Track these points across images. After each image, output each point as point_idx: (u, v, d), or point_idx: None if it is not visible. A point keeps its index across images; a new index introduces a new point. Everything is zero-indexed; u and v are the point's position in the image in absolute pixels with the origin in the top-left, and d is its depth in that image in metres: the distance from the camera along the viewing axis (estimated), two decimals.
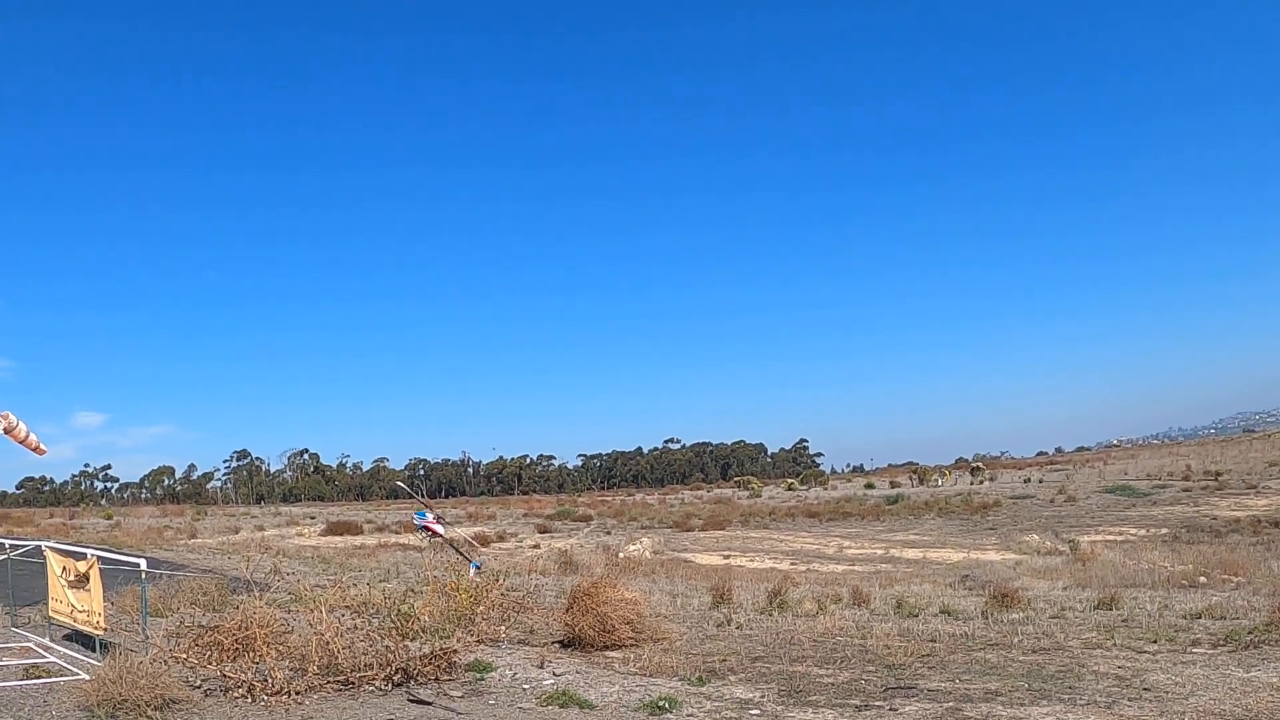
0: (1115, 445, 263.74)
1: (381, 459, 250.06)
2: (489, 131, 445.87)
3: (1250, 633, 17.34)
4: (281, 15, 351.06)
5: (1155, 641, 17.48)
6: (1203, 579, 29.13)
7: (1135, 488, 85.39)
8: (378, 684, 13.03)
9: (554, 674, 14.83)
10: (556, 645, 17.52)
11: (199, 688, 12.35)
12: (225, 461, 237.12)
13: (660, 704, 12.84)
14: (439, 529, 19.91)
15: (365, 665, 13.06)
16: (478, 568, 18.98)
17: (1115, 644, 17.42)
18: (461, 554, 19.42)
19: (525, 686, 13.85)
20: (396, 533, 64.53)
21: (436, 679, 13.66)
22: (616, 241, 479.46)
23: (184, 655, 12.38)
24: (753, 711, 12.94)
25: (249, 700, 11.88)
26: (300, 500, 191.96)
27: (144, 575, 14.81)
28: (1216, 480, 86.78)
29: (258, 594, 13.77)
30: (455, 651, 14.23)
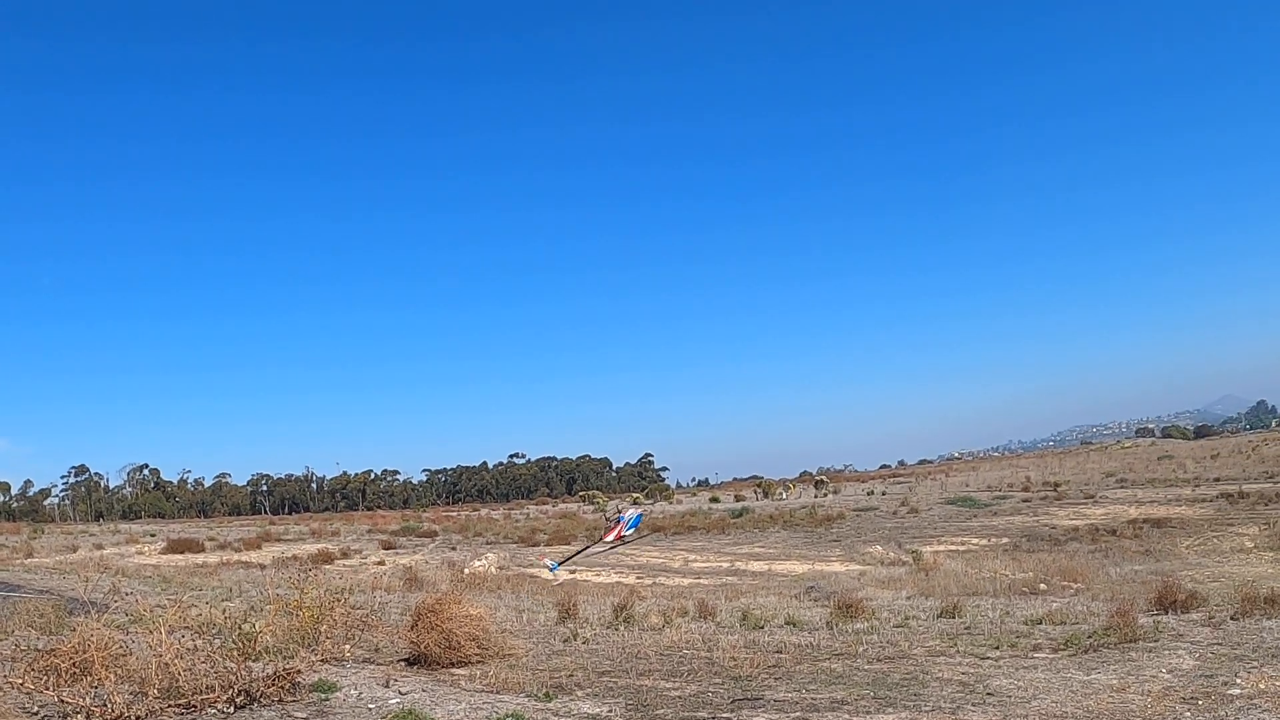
0: (957, 458, 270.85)
1: (223, 474, 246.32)
2: (325, 143, 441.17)
3: (1090, 637, 17.80)
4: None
5: (998, 648, 17.82)
6: (1043, 586, 29.88)
7: (976, 499, 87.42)
8: (220, 706, 12.63)
9: (400, 692, 14.56)
10: (402, 663, 17.22)
11: (36, 715, 11.86)
12: (63, 477, 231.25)
13: None
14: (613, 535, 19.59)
15: (207, 687, 12.64)
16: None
17: (959, 651, 17.71)
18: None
19: (371, 706, 13.56)
20: (238, 550, 63.11)
21: (280, 700, 13.29)
22: (457, 255, 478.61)
23: (20, 680, 11.86)
24: None
25: None
26: (141, 517, 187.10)
27: None
28: (1055, 491, 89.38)
29: (96, 615, 13.28)
30: (299, 671, 13.87)
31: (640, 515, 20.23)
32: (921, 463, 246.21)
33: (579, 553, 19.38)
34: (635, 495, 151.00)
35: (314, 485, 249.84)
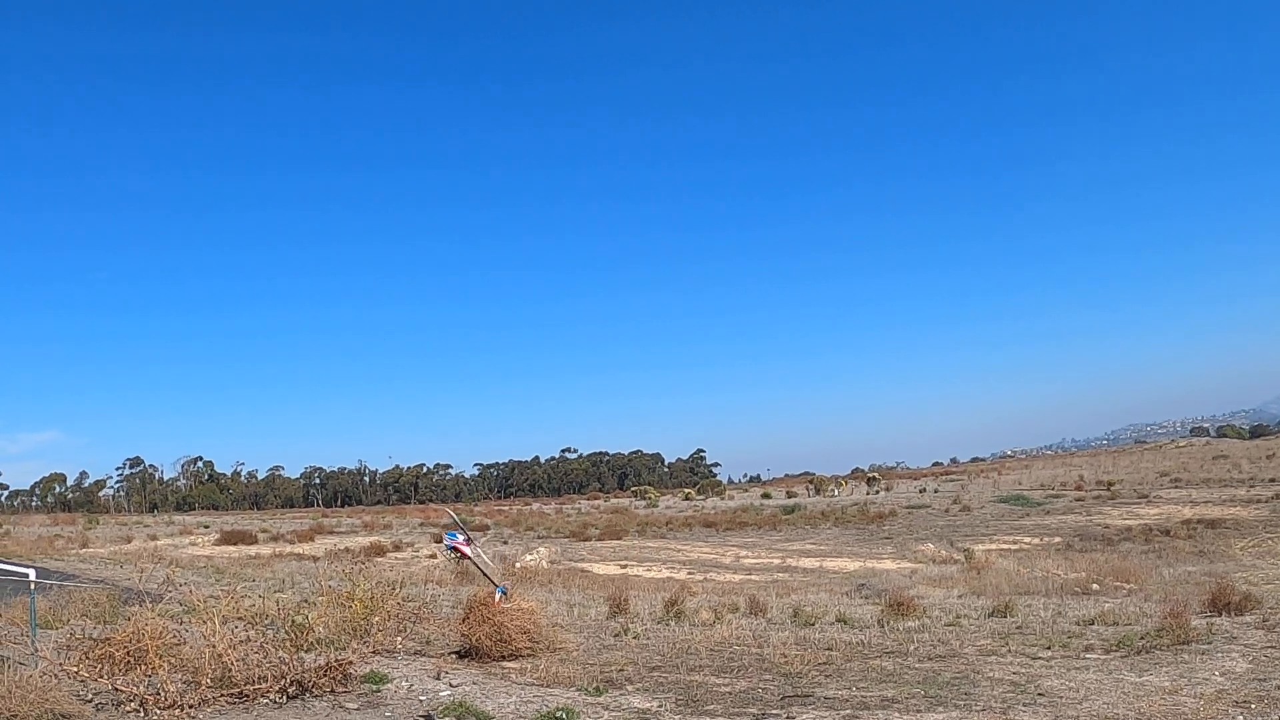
0: (1010, 456, 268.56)
1: (277, 467, 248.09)
2: (375, 135, 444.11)
3: (1142, 638, 17.71)
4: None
5: (1049, 648, 17.76)
6: (1095, 586, 29.70)
7: (1029, 497, 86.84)
8: (272, 696, 12.80)
9: (450, 685, 14.68)
10: (453, 656, 17.34)
11: (90, 702, 12.06)
12: (118, 469, 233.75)
13: (557, 714, 12.76)
14: (467, 550, 19.70)
15: (259, 677, 12.81)
16: (504, 593, 18.78)
17: (1010, 650, 17.68)
18: (487, 577, 19.18)
19: (422, 698, 13.69)
20: (291, 542, 63.59)
21: (332, 691, 13.45)
22: (514, 250, 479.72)
23: (75, 668, 12.09)
24: None
25: (142, 714, 11.62)
26: (194, 509, 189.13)
27: (33, 586, 14.49)
28: (1109, 490, 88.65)
29: (150, 605, 13.49)
30: (350, 663, 14.02)
31: (455, 533, 20.15)
32: (974, 460, 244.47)
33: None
34: (686, 491, 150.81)
35: (366, 478, 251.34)
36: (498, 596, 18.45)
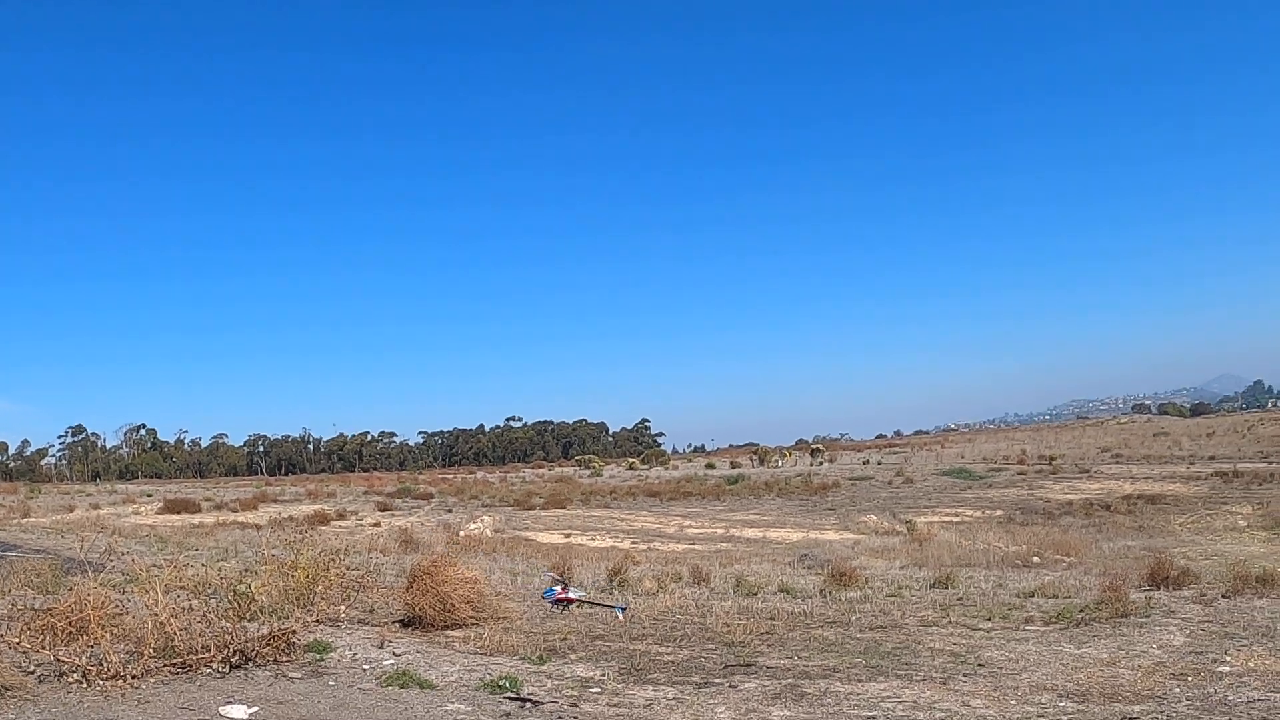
0: (953, 429, 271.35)
1: (220, 435, 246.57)
2: (329, 107, 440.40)
3: (1081, 611, 17.92)
4: None
5: (990, 619, 17.95)
6: (1036, 559, 30.04)
7: (972, 470, 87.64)
8: (215, 666, 12.67)
9: (394, 654, 14.65)
10: (397, 625, 17.29)
11: (32, 673, 11.87)
12: (60, 437, 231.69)
13: (501, 683, 12.77)
14: (573, 595, 19.76)
15: (203, 647, 12.66)
16: (623, 610, 18.86)
17: (951, 621, 17.84)
18: (604, 605, 19.25)
19: (365, 667, 13.64)
20: (235, 511, 63.20)
21: (275, 660, 13.34)
22: (456, 219, 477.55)
23: (16, 639, 11.89)
24: (594, 689, 12.95)
25: (84, 685, 11.47)
26: (137, 477, 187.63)
27: None
28: (1050, 464, 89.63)
29: (93, 575, 13.32)
30: (294, 632, 13.90)
31: (552, 589, 20.40)
32: (917, 433, 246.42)
33: None
34: (631, 460, 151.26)
35: (311, 446, 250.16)
36: (619, 615, 18.53)
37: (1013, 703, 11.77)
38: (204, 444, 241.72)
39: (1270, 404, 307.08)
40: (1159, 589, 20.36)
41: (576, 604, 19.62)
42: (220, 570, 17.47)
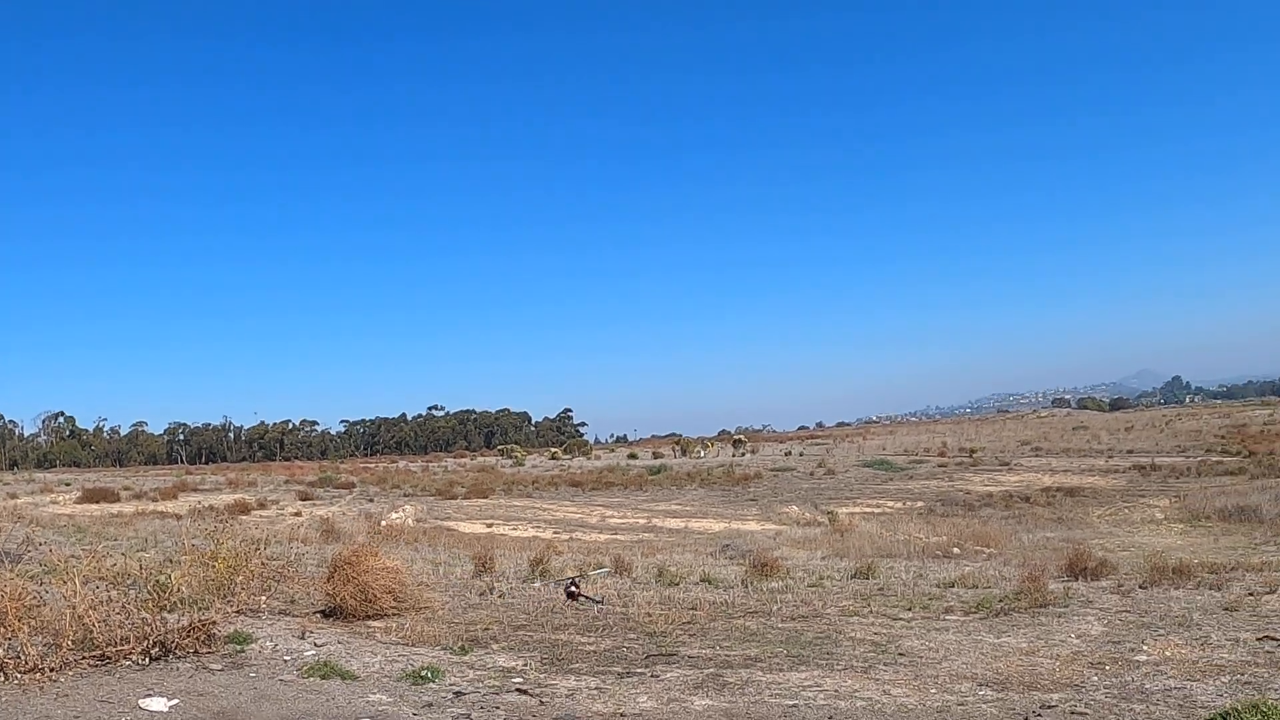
0: (875, 421, 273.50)
1: (140, 423, 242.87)
2: (249, 93, 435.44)
3: (1001, 601, 18.12)
4: None
5: (910, 609, 18.09)
6: (956, 550, 30.31)
7: (893, 463, 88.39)
8: (135, 658, 12.46)
9: (315, 645, 14.49)
10: (318, 615, 17.11)
11: None
12: None
13: (423, 673, 12.68)
14: (582, 591, 19.62)
15: (122, 639, 12.45)
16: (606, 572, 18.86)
17: (871, 611, 17.95)
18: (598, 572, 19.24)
19: (286, 658, 13.48)
20: (154, 500, 62.29)
21: (196, 652, 13.13)
22: (380, 207, 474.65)
23: None
24: (515, 679, 12.89)
25: (2, 679, 11.26)
26: (55, 466, 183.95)
27: None
28: (971, 457, 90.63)
29: (9, 565, 13.10)
30: (214, 623, 13.69)
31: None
32: (839, 425, 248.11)
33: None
34: (553, 450, 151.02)
35: (231, 435, 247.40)
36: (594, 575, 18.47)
37: (933, 691, 11.86)
38: (123, 432, 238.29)
39: (1188, 400, 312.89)
40: (1077, 580, 20.61)
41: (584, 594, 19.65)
42: (140, 561, 17.22)
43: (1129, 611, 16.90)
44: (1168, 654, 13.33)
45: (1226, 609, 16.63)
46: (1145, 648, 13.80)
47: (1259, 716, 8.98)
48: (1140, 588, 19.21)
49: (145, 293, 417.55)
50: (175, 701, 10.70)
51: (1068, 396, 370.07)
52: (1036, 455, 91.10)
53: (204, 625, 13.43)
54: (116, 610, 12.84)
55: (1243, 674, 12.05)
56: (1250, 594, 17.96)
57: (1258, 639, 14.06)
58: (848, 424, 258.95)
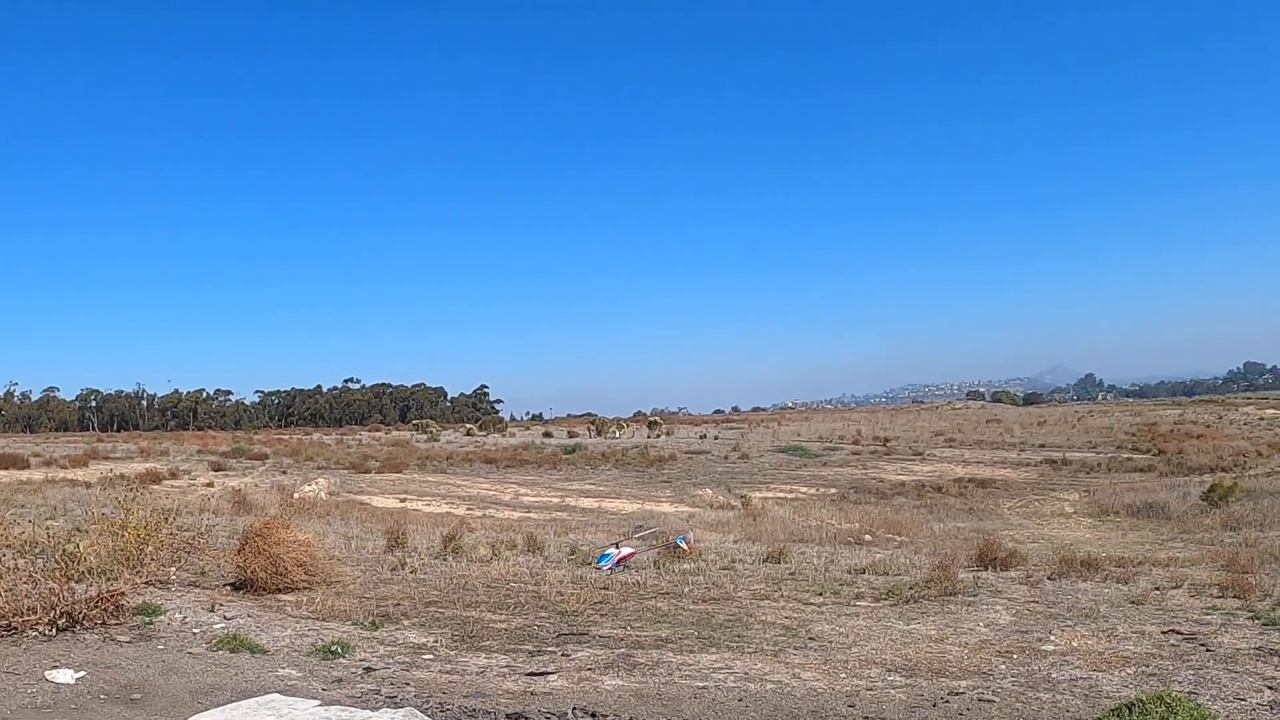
0: (790, 408, 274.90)
1: (51, 389, 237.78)
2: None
3: (911, 588, 18.33)
4: None
5: (821, 594, 18.24)
6: (868, 537, 30.62)
7: (808, 449, 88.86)
8: (41, 628, 12.27)
9: (225, 618, 14.38)
10: (228, 588, 16.95)
11: None
12: None
13: (333, 648, 12.64)
14: (631, 550, 19.33)
15: (29, 609, 12.26)
16: (683, 541, 18.57)
17: (783, 595, 18.09)
18: (662, 537, 18.96)
19: (195, 630, 13.36)
20: (65, 468, 61.13)
21: (104, 623, 12.98)
22: (297, 179, 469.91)
23: None
24: (426, 656, 12.87)
25: None
26: None
27: None
28: (885, 446, 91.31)
29: None
30: (123, 594, 13.53)
31: (607, 554, 20.43)
32: (755, 410, 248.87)
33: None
34: (468, 426, 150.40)
35: (145, 403, 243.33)
36: (681, 545, 18.33)
37: (842, 675, 11.97)
38: (34, 398, 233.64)
39: (1100, 397, 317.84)
40: (987, 569, 20.91)
41: (633, 557, 19.59)
42: (48, 529, 16.94)
43: (1037, 602, 17.17)
44: (1074, 644, 13.55)
45: (1133, 602, 16.95)
46: (1053, 638, 14.03)
47: (1164, 708, 9.15)
48: (1049, 579, 19.52)
49: (59, 258, 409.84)
50: (82, 674, 10.56)
51: (982, 390, 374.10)
52: (950, 446, 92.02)
53: (113, 596, 13.28)
54: (23, 580, 12.68)
55: (1148, 666, 12.30)
56: (1156, 588, 18.32)
57: (1163, 632, 14.35)
58: (764, 409, 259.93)
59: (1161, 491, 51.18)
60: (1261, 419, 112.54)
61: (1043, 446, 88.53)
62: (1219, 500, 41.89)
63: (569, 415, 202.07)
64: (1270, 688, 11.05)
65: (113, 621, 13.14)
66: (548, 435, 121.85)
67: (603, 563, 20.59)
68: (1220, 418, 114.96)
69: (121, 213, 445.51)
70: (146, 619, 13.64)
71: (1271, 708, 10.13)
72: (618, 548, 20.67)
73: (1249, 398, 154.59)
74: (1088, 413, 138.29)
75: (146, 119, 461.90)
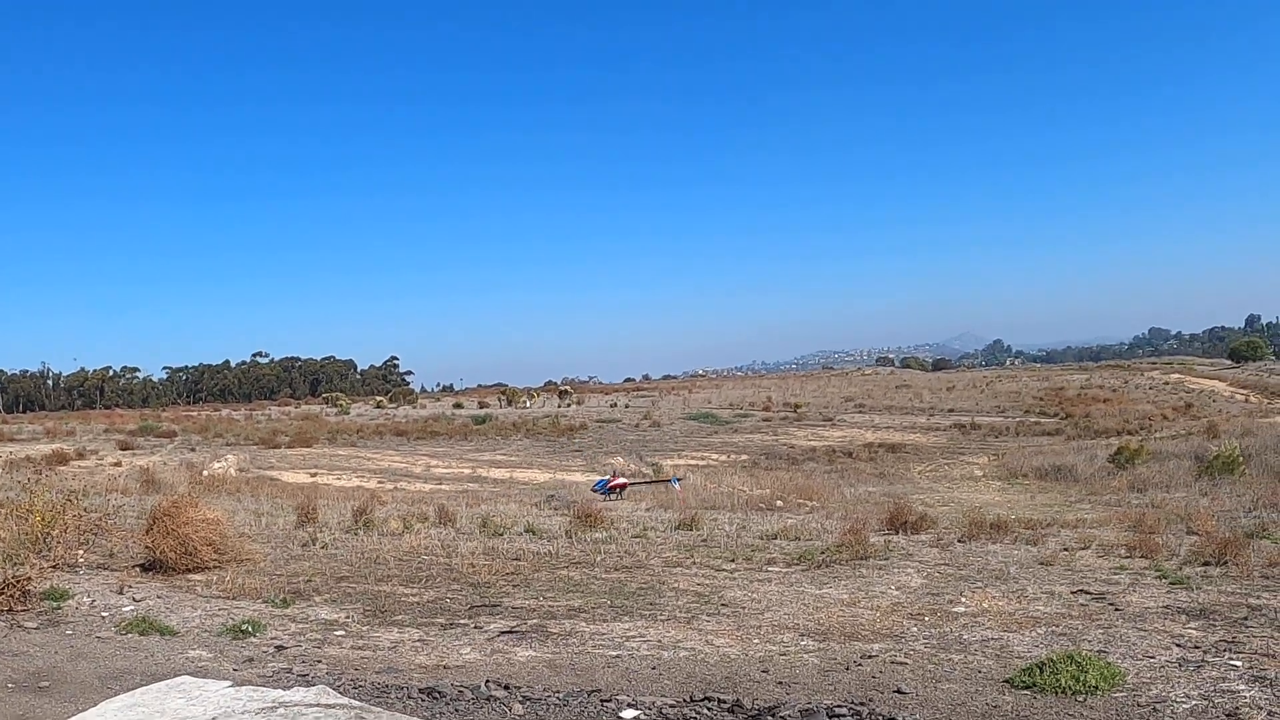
0: (701, 375, 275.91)
1: None
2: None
3: (823, 553, 18.50)
4: None
5: (733, 560, 18.36)
6: (779, 503, 30.81)
7: (718, 416, 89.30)
8: None
9: (134, 600, 14.18)
10: (137, 569, 16.72)
11: None
12: None
13: (244, 627, 12.50)
14: (625, 481, 19.01)
15: None
16: (678, 481, 18.28)
17: (695, 563, 18.18)
18: (658, 481, 18.64)
19: (105, 614, 13.15)
20: None
21: (10, 609, 12.73)
22: (212, 148, 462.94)
23: None
24: (338, 632, 12.79)
25: None
26: None
27: None
28: (795, 412, 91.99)
29: None
30: (29, 579, 13.30)
31: (603, 480, 20.49)
32: (666, 378, 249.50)
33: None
34: (379, 399, 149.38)
35: (50, 382, 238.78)
36: (675, 486, 18.11)
37: (755, 641, 12.04)
38: None
39: (1008, 363, 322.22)
40: (898, 533, 21.16)
41: (630, 487, 19.47)
42: None
43: (948, 565, 17.41)
44: (985, 606, 13.74)
45: (1042, 563, 17.26)
46: (964, 600, 14.22)
47: (1074, 667, 9.30)
48: (959, 542, 19.82)
49: None
50: None
51: (892, 355, 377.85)
52: (860, 412, 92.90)
53: (18, 582, 13.09)
54: None
55: (1058, 626, 12.50)
56: (1065, 549, 18.68)
57: (1072, 592, 14.60)
58: (674, 377, 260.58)
59: (1069, 455, 52.07)
60: (1166, 384, 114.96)
61: (952, 411, 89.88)
62: (1125, 463, 42.65)
63: (480, 386, 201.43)
64: (1178, 645, 11.26)
65: (19, 608, 12.92)
66: (458, 406, 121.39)
67: (598, 488, 20.63)
68: (1126, 382, 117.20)
69: (26, 186, 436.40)
70: (54, 604, 13.43)
71: (1180, 665, 10.31)
72: (614, 475, 20.69)
73: (1154, 363, 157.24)
74: (996, 378, 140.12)
75: (54, 86, 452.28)
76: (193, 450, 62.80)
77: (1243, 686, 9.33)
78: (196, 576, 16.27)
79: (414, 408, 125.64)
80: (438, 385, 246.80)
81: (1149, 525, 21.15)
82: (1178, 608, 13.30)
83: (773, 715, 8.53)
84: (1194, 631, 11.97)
